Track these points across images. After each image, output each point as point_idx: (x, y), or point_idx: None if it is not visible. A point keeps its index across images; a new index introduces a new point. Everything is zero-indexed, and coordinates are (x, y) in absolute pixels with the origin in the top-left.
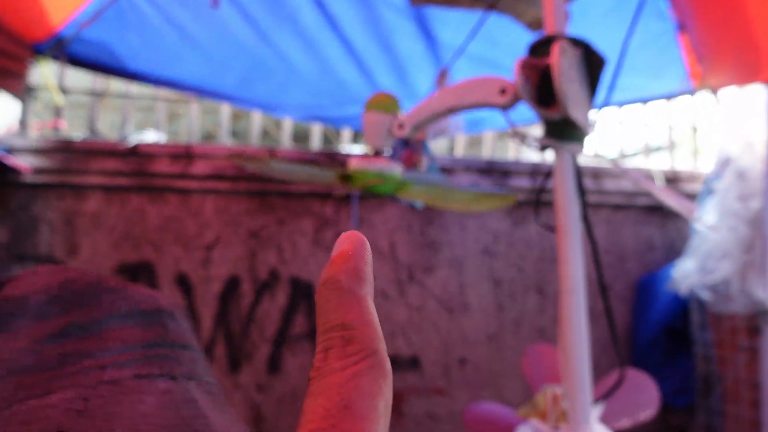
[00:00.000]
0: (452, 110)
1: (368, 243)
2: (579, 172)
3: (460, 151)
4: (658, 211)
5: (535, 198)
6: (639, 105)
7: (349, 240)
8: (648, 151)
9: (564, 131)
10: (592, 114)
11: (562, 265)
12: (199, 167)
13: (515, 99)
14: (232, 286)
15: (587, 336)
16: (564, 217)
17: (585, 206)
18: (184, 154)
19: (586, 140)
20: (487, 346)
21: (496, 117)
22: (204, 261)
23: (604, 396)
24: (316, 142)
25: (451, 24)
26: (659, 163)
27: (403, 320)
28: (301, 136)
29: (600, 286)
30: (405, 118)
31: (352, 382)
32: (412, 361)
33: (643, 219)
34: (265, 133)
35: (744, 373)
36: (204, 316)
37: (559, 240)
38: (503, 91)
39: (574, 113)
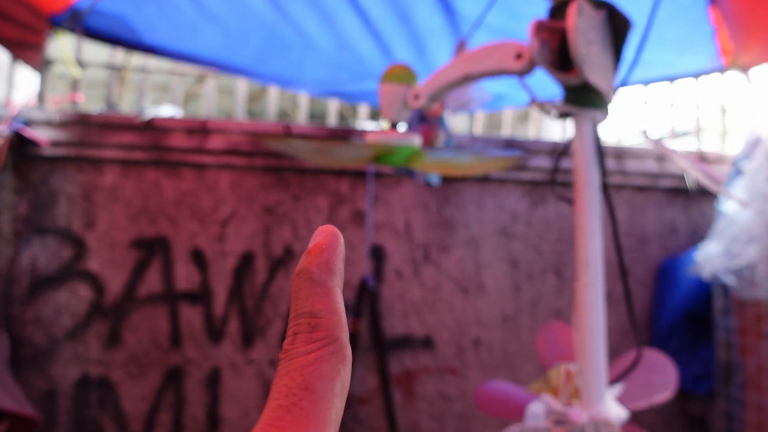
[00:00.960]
0: (468, 78)
1: (342, 238)
2: (599, 140)
3: (480, 130)
4: (682, 193)
5: (553, 170)
6: (666, 83)
7: (325, 234)
8: (674, 134)
9: (584, 97)
10: (616, 80)
11: (580, 237)
12: (215, 142)
13: (531, 64)
14: (246, 261)
15: (604, 311)
16: (583, 187)
17: (605, 175)
18: (199, 129)
19: (609, 107)
20: (503, 327)
21: (516, 93)
22: (219, 236)
23: (620, 376)
24: (332, 120)
25: None
26: (686, 145)
27: (418, 300)
28: (317, 115)
29: (619, 265)
30: (420, 88)
31: (314, 365)
32: (426, 341)
33: (667, 201)
34: (283, 114)
35: (767, 361)
36: (218, 291)
37: (577, 210)
38: (519, 56)
39: (593, 77)
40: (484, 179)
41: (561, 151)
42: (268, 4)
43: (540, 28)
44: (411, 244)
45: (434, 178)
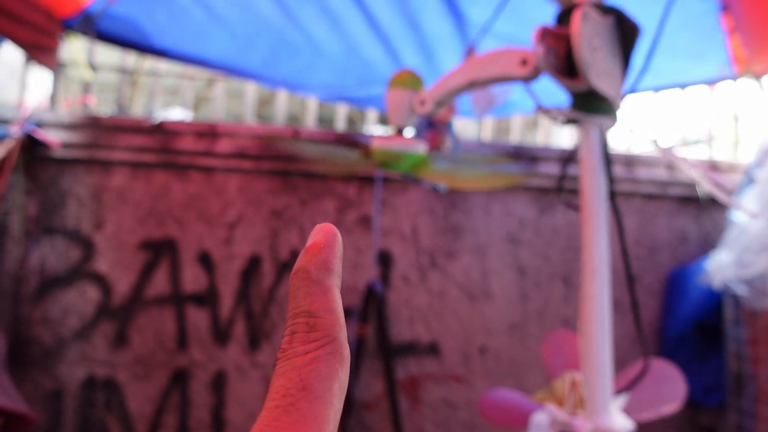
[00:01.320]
0: (473, 84)
1: (340, 236)
2: (606, 147)
3: (488, 136)
4: (692, 201)
5: (560, 177)
6: (677, 90)
7: (323, 232)
8: (686, 142)
9: (591, 104)
10: (624, 86)
11: (586, 245)
12: (224, 145)
13: (537, 70)
14: (253, 264)
15: (610, 319)
16: (589, 194)
17: (612, 183)
18: (208, 132)
19: (616, 113)
20: (509, 335)
21: (525, 99)
22: (226, 239)
23: (627, 386)
24: (341, 125)
25: (480, 1)
26: (697, 153)
27: (424, 306)
28: (326, 119)
29: (626, 273)
30: (426, 94)
31: (311, 365)
32: (431, 348)
33: (677, 209)
34: (292, 118)
35: None
36: (224, 294)
37: (583, 218)
38: (524, 62)
39: (599, 84)
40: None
41: (567, 157)
42: (277, 9)
43: (545, 34)
44: (418, 249)
45: (441, 184)
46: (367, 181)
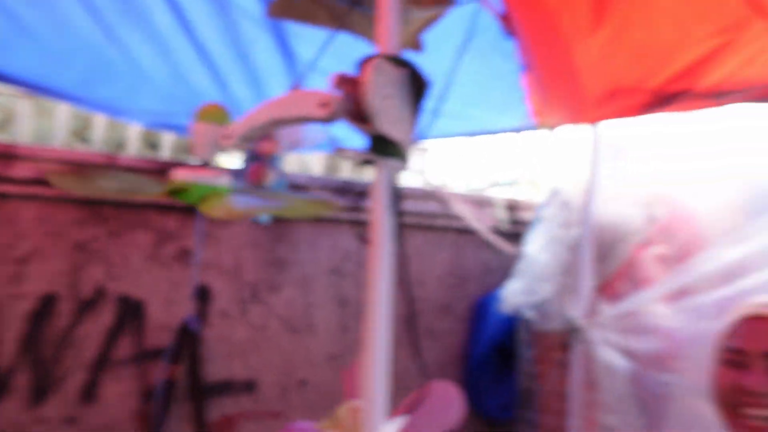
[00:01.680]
0: (277, 122)
1: None
2: (395, 188)
3: (318, 170)
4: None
5: (350, 209)
6: (488, 137)
7: None
8: (494, 184)
9: (383, 147)
10: (413, 133)
11: (371, 278)
12: (22, 170)
13: (335, 113)
14: (46, 304)
15: (388, 349)
16: (377, 230)
17: (400, 218)
18: (3, 154)
19: (406, 156)
20: (330, 367)
21: (351, 137)
22: (13, 276)
23: (406, 409)
24: (166, 152)
25: (310, 40)
26: (502, 193)
27: (243, 340)
28: (155, 144)
29: (407, 305)
30: (231, 128)
31: None
32: (248, 385)
33: (483, 243)
34: (115, 142)
35: (555, 385)
36: (5, 340)
37: (371, 252)
38: (324, 105)
39: (389, 129)
40: (319, 219)
41: (360, 193)
42: (95, 26)
43: (342, 81)
44: (240, 283)
45: (264, 217)
46: (189, 212)
